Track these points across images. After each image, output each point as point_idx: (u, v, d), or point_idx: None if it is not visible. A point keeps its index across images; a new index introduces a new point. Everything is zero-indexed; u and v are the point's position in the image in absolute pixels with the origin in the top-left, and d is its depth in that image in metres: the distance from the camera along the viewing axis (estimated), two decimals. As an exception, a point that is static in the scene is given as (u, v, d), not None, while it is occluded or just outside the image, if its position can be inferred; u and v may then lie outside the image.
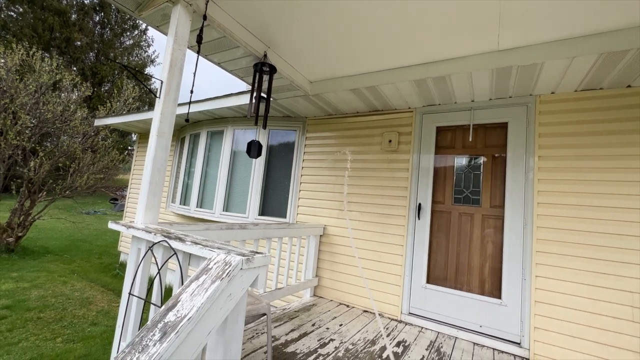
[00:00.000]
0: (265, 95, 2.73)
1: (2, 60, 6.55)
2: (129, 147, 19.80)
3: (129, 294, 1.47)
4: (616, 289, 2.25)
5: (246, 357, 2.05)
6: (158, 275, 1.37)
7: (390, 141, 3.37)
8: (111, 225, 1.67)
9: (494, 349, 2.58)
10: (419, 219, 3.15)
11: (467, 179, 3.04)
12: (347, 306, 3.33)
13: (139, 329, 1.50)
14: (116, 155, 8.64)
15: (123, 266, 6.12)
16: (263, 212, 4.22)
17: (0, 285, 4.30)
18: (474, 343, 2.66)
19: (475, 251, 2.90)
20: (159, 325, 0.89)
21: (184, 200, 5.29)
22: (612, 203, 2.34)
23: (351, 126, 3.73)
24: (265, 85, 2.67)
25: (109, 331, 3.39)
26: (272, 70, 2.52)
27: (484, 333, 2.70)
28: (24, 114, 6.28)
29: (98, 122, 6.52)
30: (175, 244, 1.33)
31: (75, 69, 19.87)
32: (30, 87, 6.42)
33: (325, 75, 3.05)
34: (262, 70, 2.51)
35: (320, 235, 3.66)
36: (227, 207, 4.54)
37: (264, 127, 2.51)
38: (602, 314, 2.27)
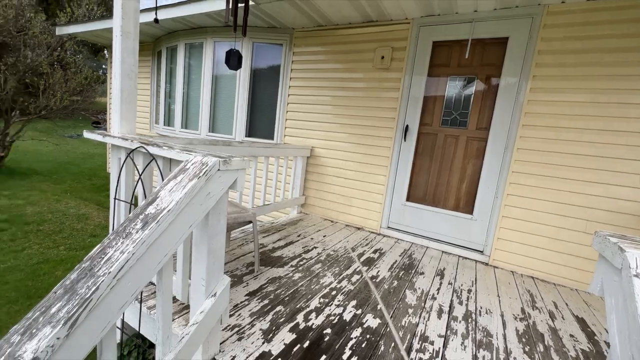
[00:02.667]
0: (244, -5, 2.39)
1: None
2: (103, 66, 18.20)
3: (115, 199, 1.52)
4: (575, 205, 2.44)
5: (236, 260, 2.27)
6: (140, 181, 1.40)
7: (382, 57, 3.15)
8: (87, 135, 1.62)
9: (459, 256, 2.90)
10: (404, 140, 3.17)
11: (457, 101, 2.97)
12: (332, 221, 3.58)
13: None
14: (90, 72, 7.97)
15: (115, 187, 6.23)
16: (250, 133, 4.15)
17: (-7, 202, 4.38)
18: (442, 251, 2.98)
19: (455, 172, 3.01)
20: (140, 217, 0.94)
21: (168, 122, 5.11)
22: (593, 125, 2.36)
23: (342, 40, 3.42)
24: (243, -18, 2.33)
25: (109, 241, 3.63)
26: (251, -39, 2.16)
27: (452, 243, 3.00)
28: (-29, 18, 5.49)
29: (59, 31, 5.79)
30: (153, 150, 1.32)
31: (22, -36, 16.76)
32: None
33: (314, -27, 2.65)
34: (239, -39, 2.15)
35: (308, 157, 3.70)
36: (212, 128, 4.43)
37: (244, 33, 2.27)
38: (559, 226, 2.51)
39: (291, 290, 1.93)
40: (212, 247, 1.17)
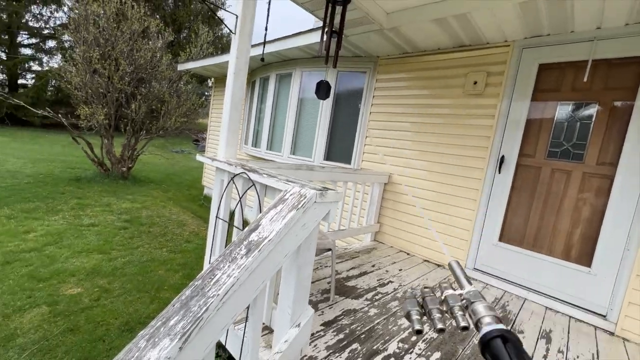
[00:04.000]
0: (337, 30, 2.54)
1: (102, 11, 7.28)
2: (206, 94, 21.48)
3: (216, 217, 1.69)
4: None
5: (312, 284, 2.27)
6: (239, 202, 1.53)
7: (475, 83, 2.93)
8: (199, 158, 1.87)
9: (570, 317, 2.38)
10: (499, 172, 2.83)
11: (570, 130, 2.54)
12: (407, 254, 3.36)
13: (225, 246, 1.76)
14: (196, 99, 9.44)
15: (207, 198, 7.08)
16: (328, 156, 4.27)
17: (121, 204, 5.41)
18: (546, 307, 2.49)
19: (565, 213, 2.54)
20: (244, 243, 1.01)
21: (255, 143, 5.64)
22: None
23: (429, 65, 3.32)
24: (337, 19, 2.47)
25: (199, 248, 4.07)
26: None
27: (560, 299, 2.48)
28: (123, 60, 7.11)
29: (181, 67, 7.06)
30: (253, 176, 1.44)
31: (157, 16, 21.24)
32: (126, 34, 7.13)
33: (406, 4, 2.66)
34: (335, 0, 2.29)
35: (385, 184, 3.60)
36: (294, 150, 4.71)
37: (334, 65, 2.38)
38: None
39: (367, 328, 1.83)
40: (300, 277, 1.18)
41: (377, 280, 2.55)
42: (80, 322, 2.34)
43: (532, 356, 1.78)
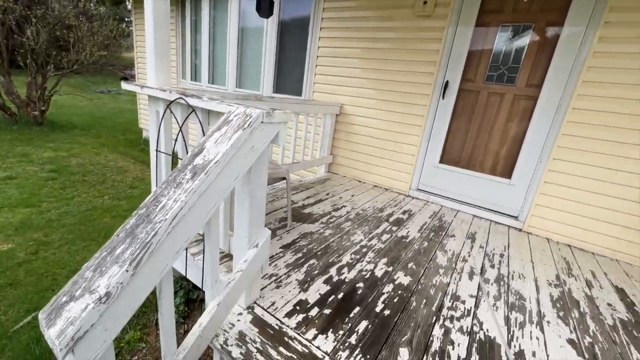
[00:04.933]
0: None
1: None
2: (126, 19, 17.97)
3: (157, 150, 1.55)
4: (628, 171, 2.24)
5: (268, 215, 2.33)
6: (180, 132, 1.40)
7: (425, 2, 2.83)
8: (125, 86, 1.62)
9: (491, 221, 2.83)
10: (443, 98, 2.95)
11: (507, 55, 2.66)
12: (359, 181, 3.56)
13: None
14: (115, 25, 7.87)
15: (147, 142, 6.46)
16: (277, 89, 4.03)
17: (42, 153, 4.70)
18: (474, 215, 2.91)
19: (496, 133, 2.81)
20: (189, 168, 0.95)
21: (195, 77, 5.06)
22: (672, 81, 2.06)
23: (380, -18, 3.08)
24: None
25: (147, 192, 3.84)
26: None
27: (485, 208, 2.91)
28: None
29: (84, -20, 5.64)
30: (193, 101, 1.30)
31: None
32: None
33: None
34: None
35: (337, 115, 3.58)
36: (240, 83, 4.35)
37: (276, -25, 2.08)
38: (606, 193, 2.34)
39: (323, 246, 1.99)
40: (254, 201, 1.18)
41: (332, 206, 2.71)
42: (20, 276, 2.17)
43: (460, 253, 2.13)
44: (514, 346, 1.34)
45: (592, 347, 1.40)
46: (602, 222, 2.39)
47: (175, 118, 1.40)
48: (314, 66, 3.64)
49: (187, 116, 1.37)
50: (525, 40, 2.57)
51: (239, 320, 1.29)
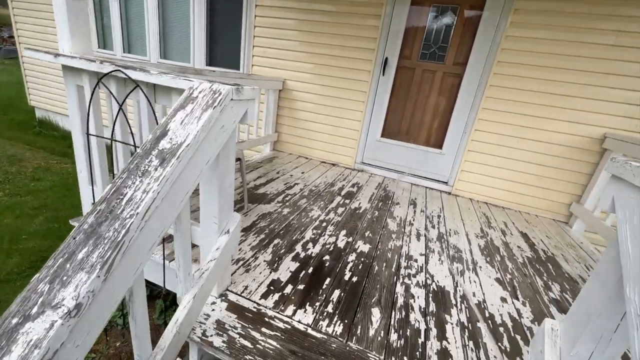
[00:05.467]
0: None
1: None
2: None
3: (87, 134, 1.30)
4: (530, 139, 2.73)
5: (221, 198, 2.21)
6: (120, 111, 1.20)
7: (364, -24, 2.84)
8: (29, 53, 1.28)
9: (426, 187, 3.18)
10: (383, 74, 3.10)
11: (437, 34, 2.89)
12: (306, 158, 3.58)
13: (110, 170, 1.43)
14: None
15: (46, 123, 5.31)
16: (211, 61, 3.68)
17: None
18: (412, 184, 3.23)
19: (429, 108, 3.10)
20: (154, 153, 0.83)
21: (104, 43, 4.26)
22: (565, 64, 2.52)
23: (318, -51, 2.96)
24: None
25: (59, 185, 3.23)
26: None
27: (421, 176, 3.25)
28: None
29: None
30: (136, 75, 1.11)
31: None
32: None
33: None
34: None
35: (280, 90, 3.46)
36: (164, 54, 3.83)
37: None
38: (514, 158, 2.82)
39: (284, 224, 1.99)
40: (223, 185, 1.11)
41: (284, 184, 2.69)
42: None
43: (406, 218, 2.37)
44: (459, 291, 1.59)
45: (512, 282, 1.75)
46: (508, 181, 2.90)
47: (113, 95, 1.18)
48: (252, 37, 3.40)
49: (129, 93, 1.16)
50: (452, 21, 2.82)
51: (213, 309, 1.24)
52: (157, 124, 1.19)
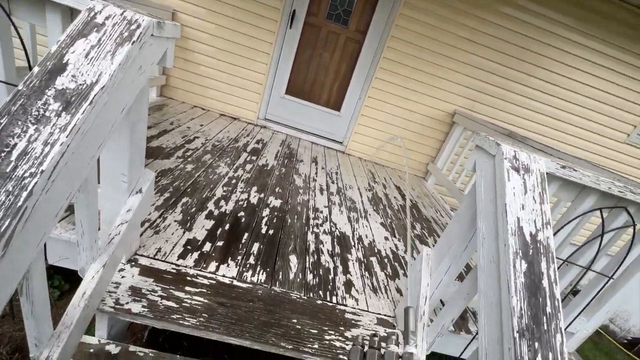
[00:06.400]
0: None
1: None
2: None
3: None
4: (413, 111, 3.30)
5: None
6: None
7: None
8: None
9: (324, 146, 3.45)
10: (290, 28, 3.00)
11: (343, -5, 2.96)
12: (203, 109, 3.25)
13: None
14: None
15: None
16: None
17: None
18: (312, 142, 3.44)
19: (332, 70, 3.25)
20: (50, 93, 0.64)
21: None
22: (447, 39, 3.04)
23: None
24: None
25: None
26: None
27: (321, 136, 3.48)
28: None
29: None
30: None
31: None
32: None
33: None
34: None
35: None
36: None
37: None
38: (398, 126, 3.37)
39: (190, 182, 1.84)
40: (135, 136, 0.95)
41: (182, 137, 2.41)
42: None
43: (310, 174, 2.56)
44: (356, 235, 1.92)
45: (392, 225, 2.22)
46: (385, 143, 3.47)
47: None
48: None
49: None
50: (357, -13, 2.92)
51: (123, 276, 1.11)
52: (25, 50, 0.87)
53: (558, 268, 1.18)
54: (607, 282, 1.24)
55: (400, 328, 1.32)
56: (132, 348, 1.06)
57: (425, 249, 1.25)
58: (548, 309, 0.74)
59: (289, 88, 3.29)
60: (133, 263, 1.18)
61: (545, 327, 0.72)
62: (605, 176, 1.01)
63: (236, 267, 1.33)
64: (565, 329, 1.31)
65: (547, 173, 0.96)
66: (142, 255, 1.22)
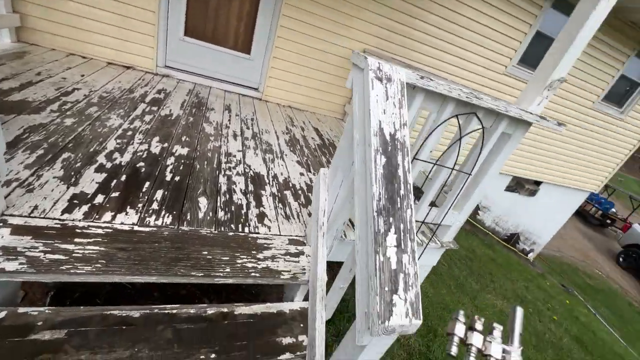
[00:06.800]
0: None
1: None
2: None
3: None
4: (321, 50, 3.27)
5: None
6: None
7: None
8: None
9: (239, 94, 3.28)
10: (176, -47, 2.58)
11: None
12: (84, 57, 2.73)
13: None
14: None
15: None
16: None
17: None
18: (225, 90, 3.23)
19: (234, 8, 2.96)
20: None
21: None
22: (338, -19, 2.96)
23: None
24: None
25: None
26: None
27: (233, 83, 3.28)
28: None
29: None
30: None
31: None
32: None
33: None
34: None
35: (4, -60, 2.22)
36: None
37: None
38: (310, 67, 3.33)
39: (72, 137, 1.62)
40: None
41: (56, 89, 2.03)
42: None
43: (222, 122, 2.45)
44: (271, 173, 1.97)
45: (307, 162, 2.32)
46: (305, 87, 3.46)
47: None
48: None
49: None
50: None
51: (-11, 238, 0.98)
52: None
53: (430, 171, 1.40)
54: (467, 179, 1.53)
55: (309, 244, 1.47)
56: (21, 309, 0.99)
57: (323, 170, 1.36)
58: (402, 192, 0.90)
59: (189, 29, 2.93)
60: (1, 224, 1.04)
61: (399, 206, 0.88)
62: (455, 85, 1.19)
63: (137, 214, 1.27)
64: (440, 223, 1.61)
65: (409, 84, 1.08)
66: (12, 215, 1.08)
